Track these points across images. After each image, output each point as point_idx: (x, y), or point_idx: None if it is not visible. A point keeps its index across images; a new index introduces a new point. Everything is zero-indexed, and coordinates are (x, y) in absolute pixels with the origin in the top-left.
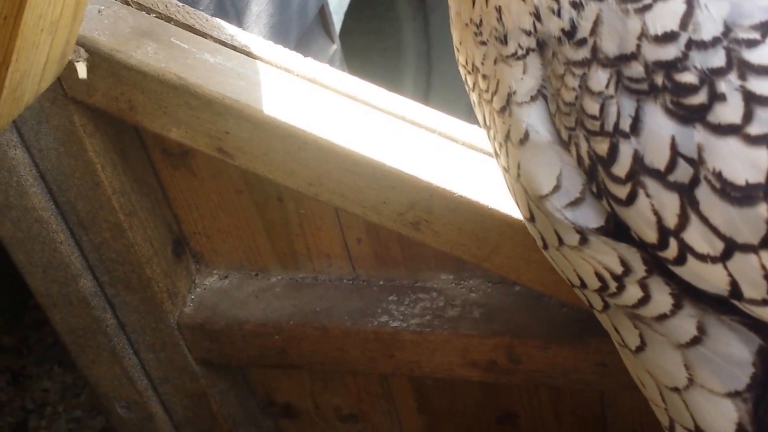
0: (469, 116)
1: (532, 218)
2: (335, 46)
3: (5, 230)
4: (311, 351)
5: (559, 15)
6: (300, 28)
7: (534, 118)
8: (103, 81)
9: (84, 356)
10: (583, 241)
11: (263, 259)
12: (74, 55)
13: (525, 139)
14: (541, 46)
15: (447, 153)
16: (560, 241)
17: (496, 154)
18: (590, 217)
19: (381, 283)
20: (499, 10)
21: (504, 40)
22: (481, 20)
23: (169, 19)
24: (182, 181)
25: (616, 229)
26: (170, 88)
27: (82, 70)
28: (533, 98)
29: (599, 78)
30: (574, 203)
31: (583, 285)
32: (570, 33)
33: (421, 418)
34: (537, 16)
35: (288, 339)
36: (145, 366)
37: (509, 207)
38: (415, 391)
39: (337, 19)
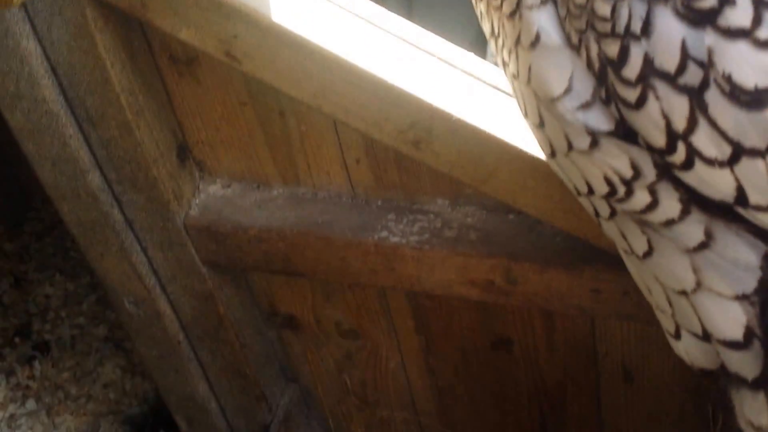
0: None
1: (541, 123)
2: None
3: (16, 120)
4: (314, 259)
5: None
6: None
7: (545, 21)
8: None
9: (92, 249)
10: (594, 144)
11: (265, 172)
12: None
13: (536, 42)
14: None
15: (446, 77)
16: (570, 146)
17: (504, 64)
18: (601, 120)
19: (379, 203)
20: None
21: None
22: None
23: None
24: (187, 89)
25: (625, 137)
26: None
27: None
28: (543, 1)
29: None
30: (586, 106)
31: (591, 191)
32: None
33: (418, 339)
34: None
35: (292, 246)
36: (153, 264)
37: (507, 134)
38: (413, 311)
39: None
